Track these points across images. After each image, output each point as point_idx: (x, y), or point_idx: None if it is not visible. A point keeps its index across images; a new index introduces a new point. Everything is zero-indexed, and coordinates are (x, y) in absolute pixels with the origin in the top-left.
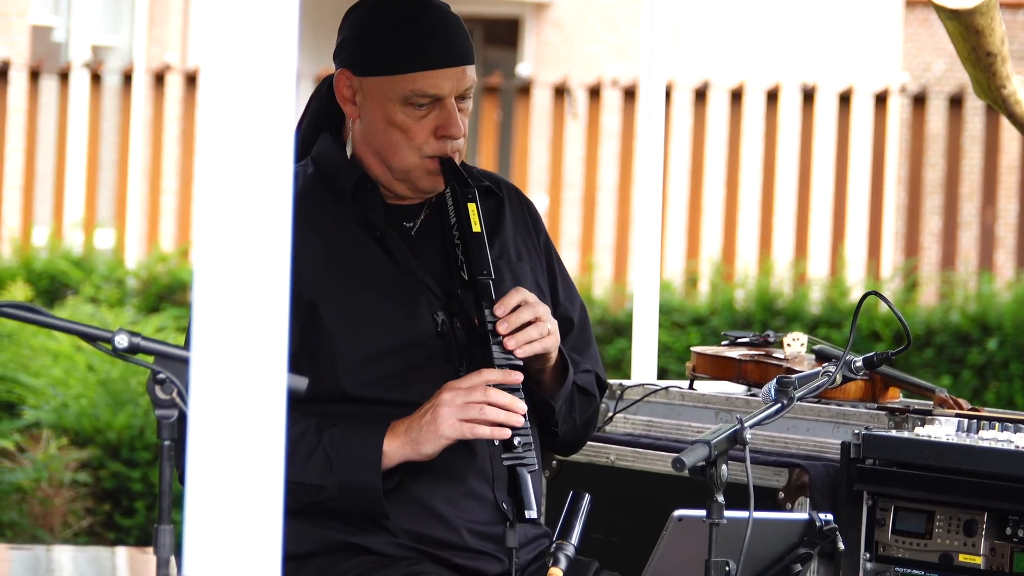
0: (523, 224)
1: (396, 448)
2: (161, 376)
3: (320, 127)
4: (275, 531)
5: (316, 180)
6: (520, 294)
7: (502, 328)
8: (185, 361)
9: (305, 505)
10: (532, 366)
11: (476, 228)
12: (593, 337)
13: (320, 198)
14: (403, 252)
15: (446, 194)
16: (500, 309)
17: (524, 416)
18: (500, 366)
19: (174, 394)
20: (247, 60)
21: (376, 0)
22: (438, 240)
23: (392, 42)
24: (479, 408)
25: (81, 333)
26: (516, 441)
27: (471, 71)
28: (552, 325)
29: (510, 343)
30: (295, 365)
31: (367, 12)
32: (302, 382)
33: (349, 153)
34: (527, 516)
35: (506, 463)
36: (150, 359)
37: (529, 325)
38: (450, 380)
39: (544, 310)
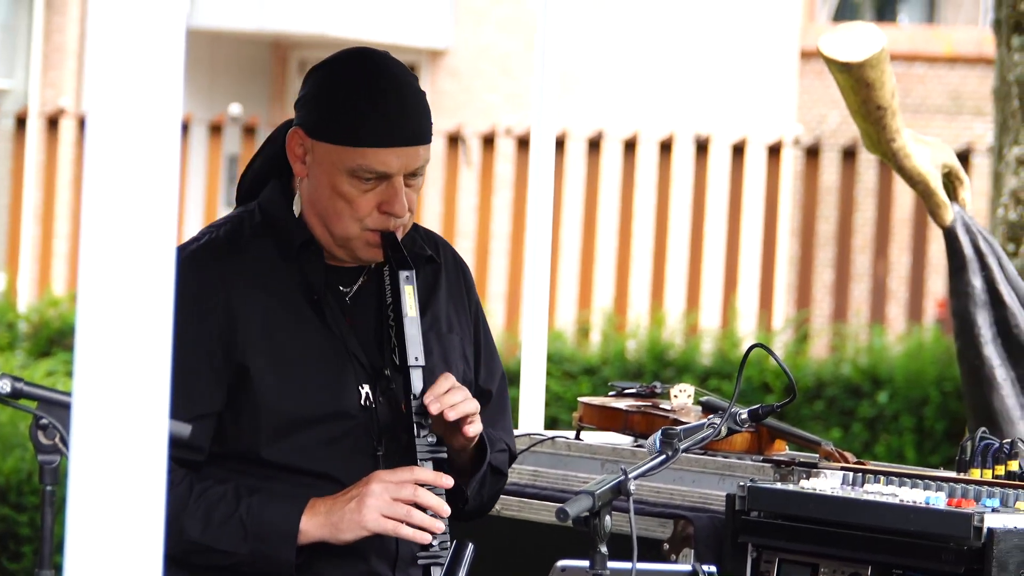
0: (457, 291)
1: (314, 527)
2: (44, 421)
3: (271, 172)
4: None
5: (263, 231)
6: (449, 381)
7: (434, 408)
8: (68, 406)
9: (210, 565)
10: (452, 445)
11: (411, 313)
12: (509, 408)
13: (264, 252)
14: (337, 320)
15: (384, 270)
16: (429, 397)
17: (446, 521)
18: (423, 459)
19: (56, 439)
20: (133, 104)
21: (339, 63)
22: (372, 310)
23: (346, 113)
24: (406, 510)
25: None
26: (435, 543)
27: (424, 151)
28: (476, 406)
29: (450, 414)
30: (218, 423)
31: (330, 75)
32: (184, 429)
33: (297, 211)
34: None
35: (420, 562)
36: (34, 404)
37: (459, 404)
38: (367, 458)
39: (468, 395)
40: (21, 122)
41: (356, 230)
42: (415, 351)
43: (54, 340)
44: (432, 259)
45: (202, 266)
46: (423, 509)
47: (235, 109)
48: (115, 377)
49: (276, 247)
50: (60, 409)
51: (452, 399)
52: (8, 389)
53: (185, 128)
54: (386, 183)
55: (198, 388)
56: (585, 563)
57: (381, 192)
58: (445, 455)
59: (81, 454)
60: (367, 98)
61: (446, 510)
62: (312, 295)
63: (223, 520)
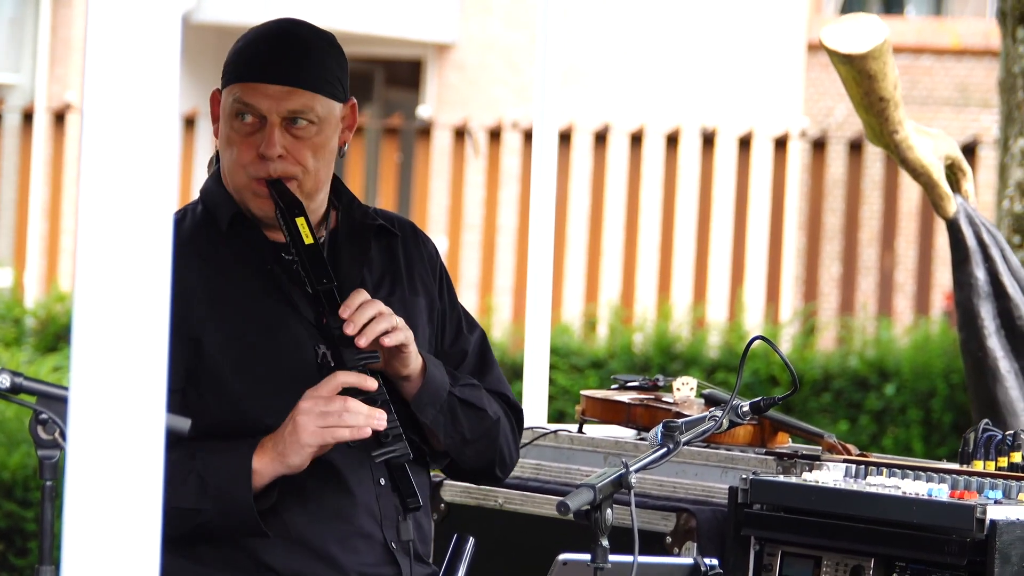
0: (419, 261)
1: (266, 464)
2: (43, 416)
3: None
4: (153, 568)
5: (203, 218)
6: (361, 295)
7: (349, 329)
8: (67, 401)
9: (189, 531)
10: (394, 372)
11: (308, 240)
12: (495, 363)
13: (205, 237)
14: (284, 285)
15: (276, 216)
16: (345, 311)
17: (389, 414)
18: (355, 368)
19: (56, 434)
20: (131, 98)
21: (260, 24)
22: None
23: (236, 55)
24: (338, 415)
25: None
26: (382, 434)
27: (307, 97)
28: (400, 321)
29: (361, 340)
30: (183, 400)
31: (244, 33)
32: (184, 423)
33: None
34: (410, 505)
35: (377, 459)
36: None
37: (375, 319)
38: None
39: (388, 309)
40: (28, 117)
41: (243, 178)
42: (323, 274)
43: (61, 335)
44: (386, 230)
45: None
46: None
47: None
48: (112, 371)
49: (216, 230)
50: (60, 404)
51: (363, 316)
52: (7, 384)
53: (191, 122)
54: (264, 127)
55: None
56: (587, 557)
57: (260, 137)
58: (377, 359)
59: (78, 449)
60: (254, 41)
61: (380, 414)
62: (262, 267)
63: (182, 479)
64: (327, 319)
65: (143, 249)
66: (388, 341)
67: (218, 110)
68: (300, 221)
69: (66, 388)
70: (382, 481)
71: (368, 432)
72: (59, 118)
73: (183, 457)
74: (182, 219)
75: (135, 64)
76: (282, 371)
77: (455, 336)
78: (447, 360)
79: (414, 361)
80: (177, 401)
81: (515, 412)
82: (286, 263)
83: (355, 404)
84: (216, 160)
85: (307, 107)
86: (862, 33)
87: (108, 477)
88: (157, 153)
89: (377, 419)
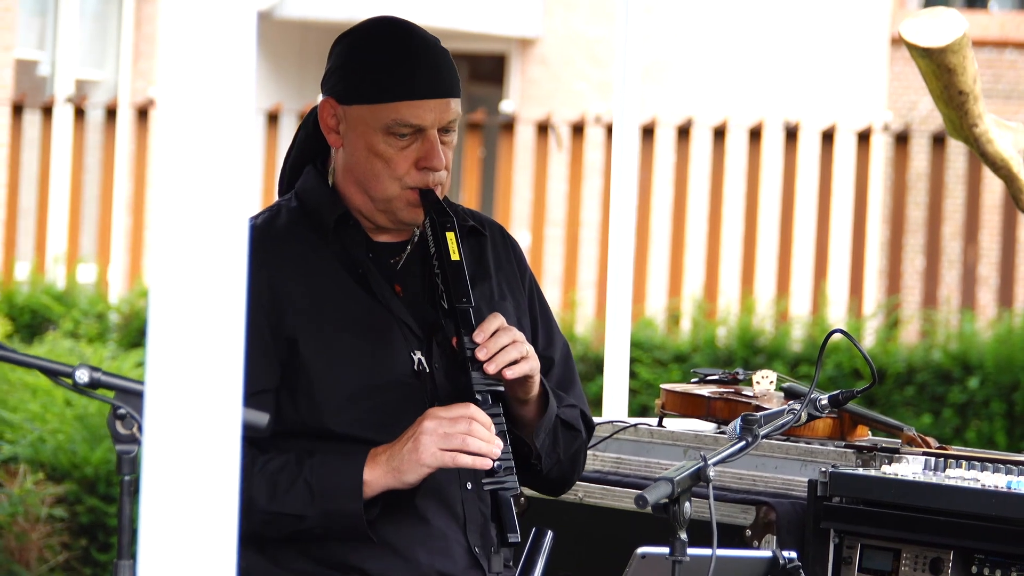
0: (507, 263)
1: (378, 477)
2: (121, 411)
3: (306, 159)
4: (230, 565)
5: (299, 216)
6: (498, 320)
7: (481, 354)
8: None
9: (287, 535)
10: (514, 395)
11: (455, 256)
12: (577, 375)
13: (303, 235)
14: (383, 289)
15: (425, 225)
16: (479, 335)
17: (505, 445)
18: (480, 392)
19: (134, 429)
20: (205, 92)
21: (364, 29)
22: (419, 278)
23: (377, 71)
24: (461, 439)
25: (42, 368)
26: (496, 466)
27: (455, 104)
28: (530, 349)
29: (490, 367)
30: (276, 400)
31: (354, 40)
32: (262, 418)
33: (331, 182)
34: (509, 540)
35: (487, 487)
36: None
37: (507, 347)
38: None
39: (521, 335)
40: (111, 113)
41: (396, 189)
42: (463, 293)
43: (145, 331)
44: (476, 231)
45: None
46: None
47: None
48: (188, 366)
49: (314, 229)
50: (137, 399)
51: (499, 342)
52: (86, 379)
53: (275, 117)
54: (421, 138)
55: (250, 366)
56: (665, 550)
57: (417, 148)
58: (501, 388)
59: (154, 444)
60: (397, 55)
61: (499, 443)
62: (357, 269)
63: (289, 485)
64: (458, 338)
65: (219, 245)
66: (511, 374)
67: (333, 120)
68: (450, 236)
69: (143, 383)
70: (468, 486)
71: (489, 464)
72: (142, 114)
73: (288, 465)
74: (274, 217)
75: (210, 60)
76: (378, 377)
77: (546, 343)
78: None
79: (535, 388)
80: (270, 400)
81: (589, 430)
82: (389, 266)
83: (480, 430)
84: (308, 160)
85: (456, 114)
86: (941, 27)
87: (184, 472)
88: (232, 149)
89: (496, 448)
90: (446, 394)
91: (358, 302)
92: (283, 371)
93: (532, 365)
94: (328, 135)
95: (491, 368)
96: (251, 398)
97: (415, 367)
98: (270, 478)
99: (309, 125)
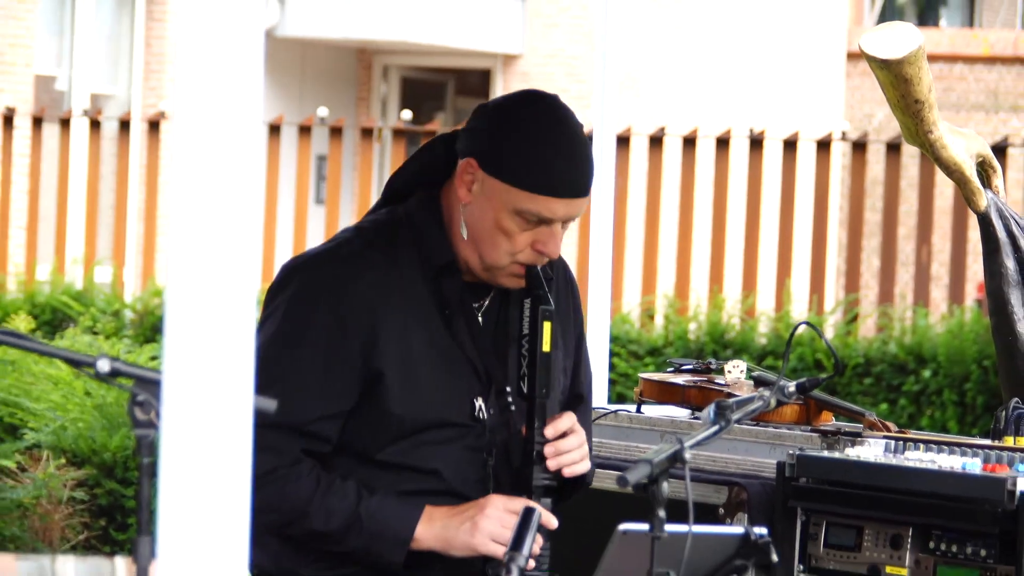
0: (565, 309)
1: (428, 538)
2: (140, 398)
3: (419, 181)
4: (242, 542)
5: (410, 242)
6: (570, 419)
7: (548, 451)
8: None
9: (325, 552)
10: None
11: (546, 348)
12: (591, 408)
13: (412, 265)
14: (464, 334)
15: (524, 302)
16: (550, 431)
17: (544, 542)
18: (538, 483)
19: (152, 414)
20: (217, 105)
21: (523, 104)
22: (495, 325)
23: (526, 158)
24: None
25: (66, 358)
26: (538, 569)
27: (587, 201)
28: (586, 450)
29: (552, 463)
30: (344, 422)
31: (510, 114)
32: (270, 404)
33: (443, 219)
34: None
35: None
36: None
37: (572, 451)
38: (477, 464)
39: (583, 436)
40: (124, 125)
41: (506, 261)
42: (543, 385)
43: (157, 327)
44: (546, 274)
45: (359, 275)
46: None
47: (323, 112)
48: (201, 358)
49: (420, 261)
50: (155, 387)
51: (565, 445)
52: (107, 368)
53: (277, 129)
54: (545, 225)
55: (339, 386)
56: (645, 526)
57: (538, 232)
58: (556, 484)
59: (172, 428)
60: (544, 147)
61: (541, 541)
62: (445, 309)
63: (344, 517)
64: (528, 428)
65: (230, 244)
66: (569, 473)
67: (469, 179)
68: (547, 325)
69: (160, 372)
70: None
71: (532, 565)
72: (154, 126)
73: (349, 496)
74: (392, 233)
75: (222, 75)
76: (437, 415)
77: (581, 382)
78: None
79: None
80: (342, 420)
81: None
82: (472, 309)
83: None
84: (422, 182)
85: (584, 208)
86: (899, 40)
87: (199, 453)
88: (243, 157)
89: (539, 548)
90: (497, 442)
91: (441, 342)
92: (360, 397)
93: (587, 466)
94: (460, 188)
95: (552, 465)
96: (332, 417)
97: (475, 413)
98: (329, 506)
99: (435, 152)
